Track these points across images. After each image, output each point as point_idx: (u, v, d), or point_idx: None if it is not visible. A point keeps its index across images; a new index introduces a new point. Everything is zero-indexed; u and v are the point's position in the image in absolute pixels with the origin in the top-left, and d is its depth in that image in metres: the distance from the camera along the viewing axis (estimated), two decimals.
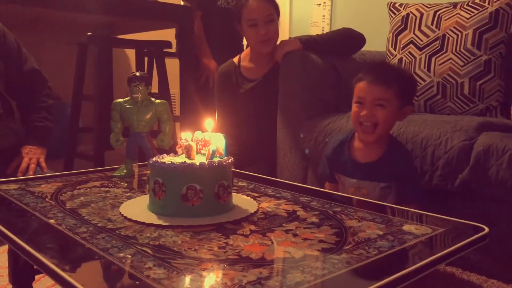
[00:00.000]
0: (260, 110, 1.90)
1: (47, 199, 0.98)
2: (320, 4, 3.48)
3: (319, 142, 1.70)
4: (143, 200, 0.94)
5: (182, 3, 2.83)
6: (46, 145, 1.62)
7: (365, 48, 2.22)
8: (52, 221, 0.84)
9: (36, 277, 1.08)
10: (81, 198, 1.00)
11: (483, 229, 0.80)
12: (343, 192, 1.34)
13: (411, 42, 1.87)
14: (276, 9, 1.88)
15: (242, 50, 3.10)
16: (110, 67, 2.32)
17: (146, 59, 2.64)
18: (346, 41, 1.93)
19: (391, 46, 1.96)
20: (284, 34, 3.81)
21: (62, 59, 2.67)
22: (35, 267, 0.79)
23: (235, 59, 1.94)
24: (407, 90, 1.29)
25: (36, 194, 1.02)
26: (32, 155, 1.53)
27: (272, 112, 1.87)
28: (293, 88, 1.86)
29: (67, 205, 0.94)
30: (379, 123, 1.25)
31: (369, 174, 1.29)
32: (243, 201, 0.96)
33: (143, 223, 0.82)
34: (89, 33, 2.26)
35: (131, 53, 3.08)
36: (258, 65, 1.87)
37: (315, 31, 3.52)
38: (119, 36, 2.80)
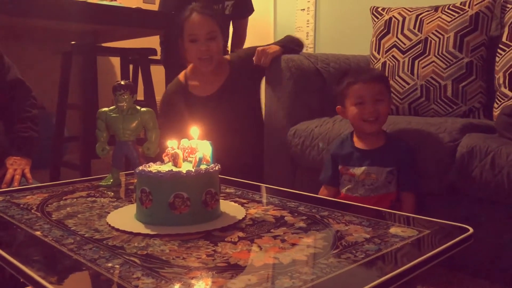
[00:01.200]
0: (216, 128, 1.71)
1: (32, 211, 0.97)
2: (304, 9, 3.50)
3: (306, 146, 1.71)
4: (130, 210, 0.94)
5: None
6: (31, 155, 1.59)
7: (350, 52, 2.24)
8: (38, 233, 0.83)
9: None
10: (68, 208, 0.99)
11: (468, 230, 0.81)
12: (352, 183, 1.43)
13: (394, 45, 1.89)
14: (220, 26, 1.78)
15: (227, 53, 3.11)
16: (94, 75, 2.30)
17: (131, 66, 2.63)
18: (300, 42, 2.02)
19: (375, 50, 1.98)
20: (268, 39, 3.83)
21: (46, 68, 2.65)
22: (21, 280, 0.78)
23: (181, 77, 1.81)
24: (389, 85, 1.49)
25: (22, 206, 1.01)
26: (16, 166, 1.51)
27: (231, 128, 1.74)
28: (279, 93, 1.87)
29: (53, 216, 0.93)
30: (382, 115, 1.41)
31: (376, 160, 1.40)
32: (231, 208, 0.96)
33: (130, 233, 0.82)
34: (73, 42, 2.24)
35: (116, 61, 3.07)
36: (207, 82, 1.75)
37: (300, 36, 3.55)
38: (103, 44, 2.79)
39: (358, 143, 1.45)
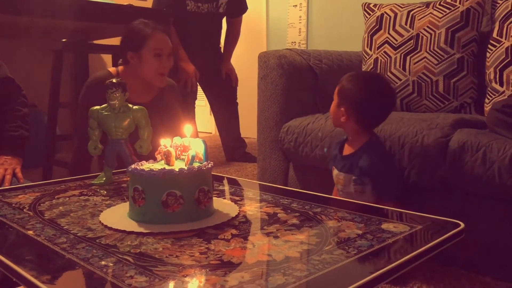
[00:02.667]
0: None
1: (25, 210, 0.97)
2: (296, 6, 3.50)
3: (299, 143, 1.71)
4: (123, 208, 0.94)
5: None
6: (22, 154, 1.58)
7: (342, 48, 2.24)
8: (30, 232, 0.83)
9: None
10: (60, 207, 0.98)
11: (459, 225, 0.82)
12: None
13: (386, 42, 1.90)
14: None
15: (218, 53, 3.11)
16: (86, 73, 2.29)
17: None
18: None
19: (367, 46, 1.98)
20: (261, 35, 3.83)
21: (38, 66, 2.63)
22: (14, 280, 0.78)
23: (113, 71, 1.80)
24: (347, 93, 1.40)
25: (14, 205, 1.01)
26: (7, 166, 1.50)
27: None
28: (271, 90, 1.87)
29: (45, 215, 0.93)
30: (330, 113, 1.47)
31: (345, 166, 1.41)
32: (224, 206, 0.96)
33: (123, 231, 0.81)
34: (64, 39, 2.23)
35: (107, 58, 3.06)
36: (142, 90, 1.78)
37: (292, 32, 3.55)
38: (95, 42, 2.78)
39: (345, 146, 1.45)
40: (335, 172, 1.45)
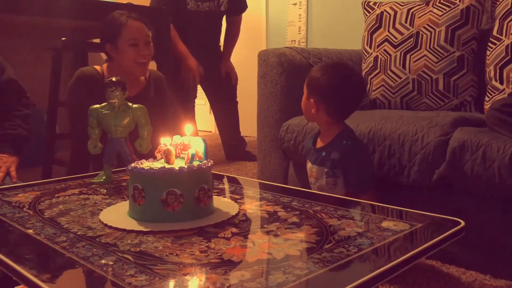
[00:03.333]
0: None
1: (24, 209, 0.97)
2: (296, 4, 3.50)
3: (299, 141, 1.71)
4: (123, 207, 0.94)
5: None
6: (19, 153, 1.56)
7: (342, 46, 2.24)
8: (30, 231, 0.83)
9: None
10: (60, 206, 0.98)
11: (459, 223, 0.82)
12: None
13: (386, 40, 1.90)
14: (149, 33, 1.81)
15: (218, 51, 3.11)
16: None
17: None
18: None
19: (367, 45, 1.98)
20: (261, 33, 3.82)
21: (37, 65, 2.63)
22: (14, 278, 0.78)
23: (99, 70, 1.79)
24: (315, 84, 1.40)
25: (13, 204, 1.01)
26: (1, 164, 1.48)
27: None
28: (271, 89, 1.87)
29: (45, 214, 0.93)
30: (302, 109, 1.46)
31: (318, 158, 1.41)
32: (224, 204, 0.96)
33: (123, 230, 0.81)
34: (63, 38, 2.23)
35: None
36: (128, 83, 1.80)
37: (292, 30, 3.55)
38: (94, 40, 2.77)
39: (318, 140, 1.45)
40: (308, 165, 1.45)
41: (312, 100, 1.39)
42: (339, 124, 1.40)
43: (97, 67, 1.81)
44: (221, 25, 3.07)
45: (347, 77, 1.39)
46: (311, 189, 1.44)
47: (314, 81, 1.39)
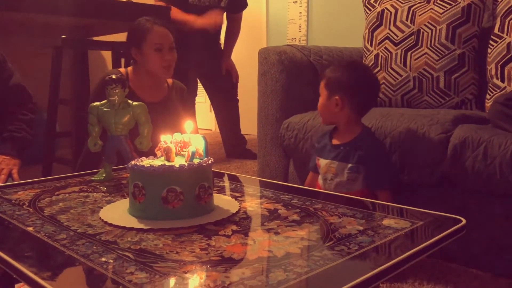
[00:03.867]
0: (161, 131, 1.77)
1: (24, 207, 0.96)
2: (296, 1, 3.49)
3: (299, 139, 1.71)
4: (123, 204, 0.93)
5: (153, 2, 2.81)
6: (22, 156, 1.56)
7: (342, 44, 2.24)
8: (30, 228, 0.83)
9: (16, 286, 1.06)
10: (60, 204, 0.98)
11: (461, 221, 0.82)
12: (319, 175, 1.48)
13: (387, 37, 1.89)
14: (173, 39, 1.86)
15: (219, 49, 3.10)
16: (86, 69, 2.28)
17: (122, 60, 2.61)
18: None
19: (367, 42, 1.98)
20: (261, 31, 3.82)
21: (37, 63, 2.63)
22: (14, 276, 0.77)
23: (123, 72, 1.82)
24: (336, 83, 1.43)
25: (13, 201, 1.01)
26: (4, 166, 1.48)
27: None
28: (272, 86, 1.86)
29: (45, 211, 0.93)
30: (319, 109, 1.49)
31: (339, 154, 1.41)
32: (224, 202, 0.96)
33: (123, 228, 0.81)
34: (63, 36, 2.22)
35: (107, 55, 3.05)
36: (153, 88, 1.82)
37: (292, 28, 3.54)
38: (94, 38, 2.77)
39: (334, 137, 1.47)
40: (323, 162, 1.45)
41: (337, 97, 1.41)
42: (359, 123, 1.44)
43: (122, 70, 1.84)
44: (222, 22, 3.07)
45: (366, 72, 1.46)
46: (311, 187, 1.43)
47: (335, 80, 1.42)
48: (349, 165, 1.38)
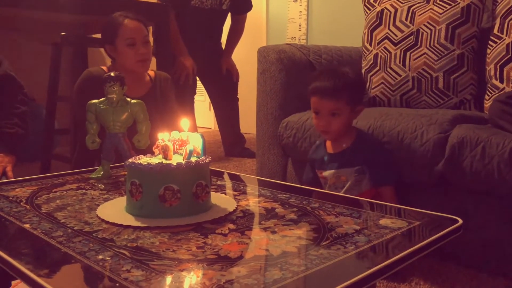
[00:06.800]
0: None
1: (22, 203, 0.96)
2: (296, 1, 3.49)
3: (298, 138, 1.71)
4: (120, 202, 0.93)
5: (155, 0, 2.81)
6: (16, 153, 1.54)
7: (342, 44, 2.23)
8: (27, 225, 0.83)
9: (13, 283, 1.06)
10: (57, 201, 0.98)
11: (457, 221, 0.82)
12: (325, 186, 1.46)
13: (386, 37, 1.89)
14: (147, 32, 1.83)
15: (219, 48, 3.10)
16: (85, 67, 2.28)
17: None
18: None
19: (367, 42, 1.98)
20: (261, 30, 3.82)
21: (36, 60, 2.63)
22: (10, 273, 0.77)
23: (105, 69, 1.79)
24: (356, 94, 1.41)
25: (11, 198, 1.01)
26: None
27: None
28: (271, 85, 1.86)
29: (42, 209, 0.93)
30: (333, 129, 1.40)
31: (344, 162, 1.41)
32: (221, 200, 0.96)
33: (120, 225, 0.81)
34: (63, 33, 2.22)
35: None
36: (135, 83, 1.76)
37: (292, 27, 3.54)
38: (93, 35, 2.76)
39: (329, 147, 1.47)
40: (329, 173, 1.43)
41: (361, 106, 1.42)
42: (352, 126, 1.45)
43: (104, 68, 1.82)
44: (223, 23, 3.07)
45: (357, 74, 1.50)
46: (308, 187, 1.44)
47: (354, 92, 1.39)
48: (355, 168, 1.39)
